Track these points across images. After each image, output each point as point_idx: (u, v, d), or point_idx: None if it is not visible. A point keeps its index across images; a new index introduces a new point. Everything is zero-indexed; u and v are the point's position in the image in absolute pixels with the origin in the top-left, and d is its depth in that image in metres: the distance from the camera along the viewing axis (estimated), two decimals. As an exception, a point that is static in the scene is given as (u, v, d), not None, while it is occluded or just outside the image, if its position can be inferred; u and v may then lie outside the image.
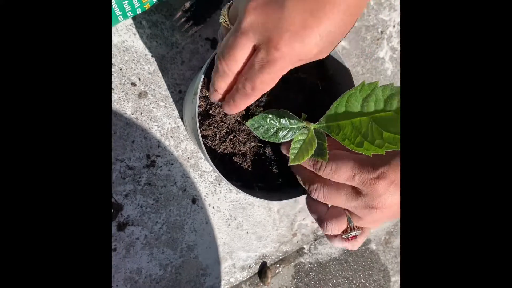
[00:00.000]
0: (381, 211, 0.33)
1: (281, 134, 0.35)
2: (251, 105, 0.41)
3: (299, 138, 0.34)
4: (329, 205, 0.37)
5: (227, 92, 0.34)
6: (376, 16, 0.64)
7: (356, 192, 0.34)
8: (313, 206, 0.38)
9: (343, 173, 0.33)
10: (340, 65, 0.43)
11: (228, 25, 0.34)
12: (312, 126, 0.34)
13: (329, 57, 0.43)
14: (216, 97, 0.35)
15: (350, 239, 0.36)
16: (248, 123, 0.35)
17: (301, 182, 0.39)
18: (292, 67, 0.30)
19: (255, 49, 0.30)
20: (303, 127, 0.35)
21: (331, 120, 0.33)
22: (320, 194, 0.36)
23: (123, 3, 0.43)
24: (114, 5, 0.42)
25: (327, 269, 0.72)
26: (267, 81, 0.30)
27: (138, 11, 0.45)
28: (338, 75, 0.45)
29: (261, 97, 0.39)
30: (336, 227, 0.35)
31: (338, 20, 0.27)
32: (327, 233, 0.36)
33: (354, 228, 0.35)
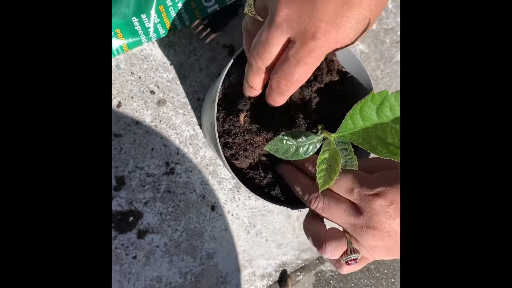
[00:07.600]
0: (379, 234, 0.30)
1: (301, 150, 0.34)
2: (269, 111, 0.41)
3: (322, 157, 0.32)
4: (327, 228, 0.35)
5: (263, 86, 0.35)
6: (394, 19, 0.63)
7: (357, 209, 0.32)
8: (312, 225, 0.35)
9: (343, 183, 0.32)
10: (360, 69, 0.42)
11: (254, 15, 0.33)
12: (331, 136, 0.33)
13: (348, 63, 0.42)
14: (252, 93, 0.36)
15: (349, 262, 0.33)
16: (266, 148, 0.34)
17: (298, 193, 0.37)
18: (328, 52, 0.30)
19: (288, 43, 0.30)
20: (323, 139, 0.34)
21: (349, 129, 0.32)
22: (320, 204, 0.34)
23: (149, 31, 0.45)
24: (140, 32, 0.45)
25: (348, 277, 0.70)
26: (303, 72, 0.30)
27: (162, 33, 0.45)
28: (356, 85, 0.44)
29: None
30: (336, 249, 0.32)
31: (370, 4, 0.28)
32: (326, 256, 0.33)
33: (353, 251, 0.33)
